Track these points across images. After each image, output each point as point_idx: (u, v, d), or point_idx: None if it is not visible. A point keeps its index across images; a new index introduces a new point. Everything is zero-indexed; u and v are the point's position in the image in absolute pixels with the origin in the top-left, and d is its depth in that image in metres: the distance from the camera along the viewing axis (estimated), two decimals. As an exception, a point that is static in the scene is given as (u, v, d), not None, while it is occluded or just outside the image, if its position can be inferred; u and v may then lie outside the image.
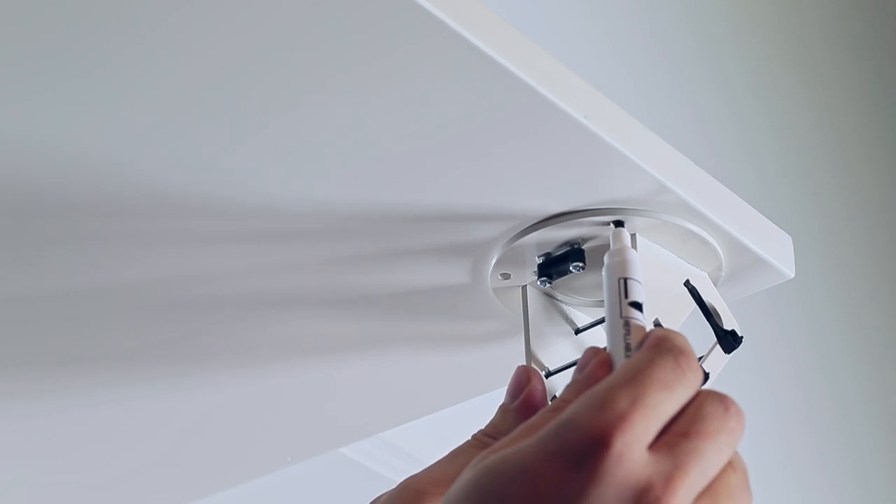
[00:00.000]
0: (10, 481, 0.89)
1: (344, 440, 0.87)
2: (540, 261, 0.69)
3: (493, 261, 0.69)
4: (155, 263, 0.70)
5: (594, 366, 0.58)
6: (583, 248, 0.67)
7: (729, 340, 0.67)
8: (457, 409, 0.81)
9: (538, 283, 0.69)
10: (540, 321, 0.69)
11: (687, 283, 0.67)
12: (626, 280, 0.60)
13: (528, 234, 0.67)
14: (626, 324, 0.58)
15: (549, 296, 0.71)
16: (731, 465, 0.55)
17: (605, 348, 0.59)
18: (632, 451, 0.52)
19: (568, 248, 0.68)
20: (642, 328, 0.58)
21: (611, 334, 0.59)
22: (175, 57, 0.59)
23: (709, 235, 0.67)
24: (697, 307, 0.67)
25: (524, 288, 0.70)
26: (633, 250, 0.61)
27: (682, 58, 1.71)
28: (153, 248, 0.69)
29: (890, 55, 2.14)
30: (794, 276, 0.70)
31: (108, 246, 0.69)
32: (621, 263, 0.60)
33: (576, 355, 0.70)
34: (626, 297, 0.59)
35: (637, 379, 0.54)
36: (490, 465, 0.53)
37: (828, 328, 1.86)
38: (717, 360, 0.66)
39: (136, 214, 0.67)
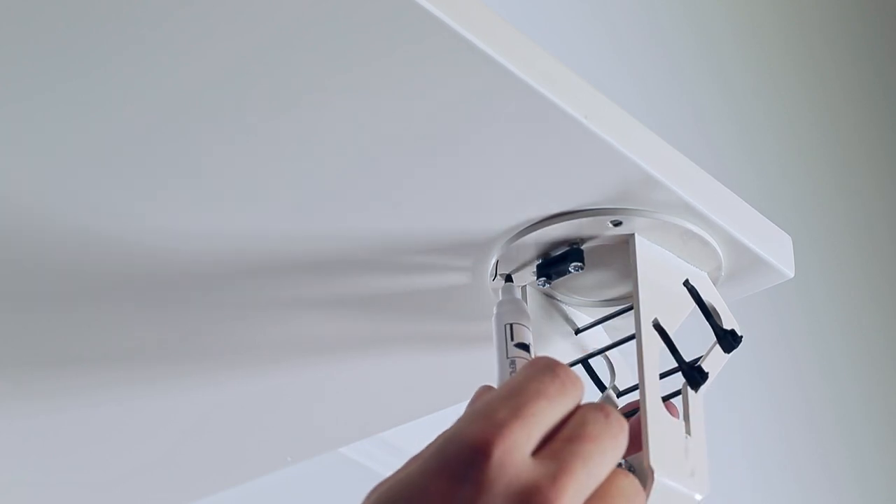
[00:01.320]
0: (10, 481, 0.89)
1: (344, 440, 0.87)
2: (539, 261, 0.68)
3: (493, 261, 0.69)
4: (155, 263, 0.70)
5: (478, 391, 0.60)
6: (582, 248, 0.67)
7: (729, 340, 0.67)
8: (457, 410, 0.81)
9: (538, 283, 0.69)
10: (540, 321, 0.69)
11: (686, 283, 0.67)
12: (511, 325, 0.65)
13: (527, 234, 0.67)
14: (513, 363, 0.63)
15: (549, 296, 0.71)
16: (624, 472, 0.56)
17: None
18: (513, 458, 0.53)
19: (567, 248, 0.68)
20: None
21: (499, 373, 0.63)
22: (175, 57, 0.59)
23: (708, 235, 0.67)
24: (697, 307, 0.67)
25: (524, 288, 0.70)
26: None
27: (682, 58, 1.71)
28: (153, 248, 0.69)
29: (890, 55, 2.14)
30: (794, 276, 0.70)
31: (107, 245, 0.69)
32: (509, 311, 0.66)
33: (576, 355, 0.70)
34: (512, 339, 0.64)
35: (516, 391, 0.55)
36: (381, 496, 0.54)
37: (828, 328, 1.86)
38: (717, 360, 0.66)
39: (135, 214, 0.67)
